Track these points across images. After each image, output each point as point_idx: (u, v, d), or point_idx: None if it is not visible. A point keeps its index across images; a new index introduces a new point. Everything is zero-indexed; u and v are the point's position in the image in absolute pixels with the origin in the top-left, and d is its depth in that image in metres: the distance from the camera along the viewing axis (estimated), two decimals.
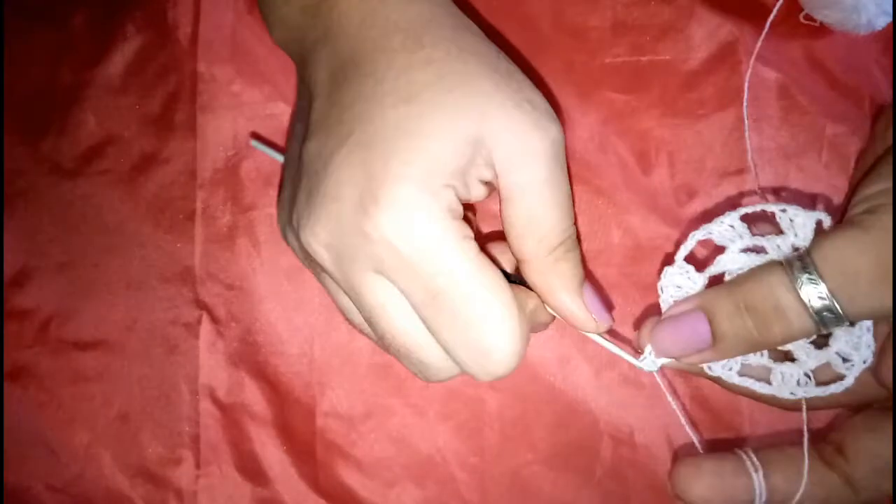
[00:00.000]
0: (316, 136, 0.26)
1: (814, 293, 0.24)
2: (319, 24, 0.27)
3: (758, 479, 0.27)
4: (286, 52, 0.30)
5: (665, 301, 0.28)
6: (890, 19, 0.31)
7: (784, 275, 0.25)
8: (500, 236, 0.27)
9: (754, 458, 0.28)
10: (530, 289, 0.27)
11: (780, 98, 0.33)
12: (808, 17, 0.32)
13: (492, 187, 0.27)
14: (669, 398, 0.29)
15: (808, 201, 0.32)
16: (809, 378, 0.27)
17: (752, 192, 0.33)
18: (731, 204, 0.32)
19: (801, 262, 0.24)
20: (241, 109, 0.36)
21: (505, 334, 0.24)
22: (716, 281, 0.28)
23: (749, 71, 0.33)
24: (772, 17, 0.32)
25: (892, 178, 0.25)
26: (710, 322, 0.26)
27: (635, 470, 0.34)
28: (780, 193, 0.33)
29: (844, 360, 0.27)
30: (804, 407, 0.27)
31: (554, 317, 0.28)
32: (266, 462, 0.35)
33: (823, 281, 0.24)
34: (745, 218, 0.28)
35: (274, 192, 0.36)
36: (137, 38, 0.37)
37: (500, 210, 0.26)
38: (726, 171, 0.33)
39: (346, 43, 0.26)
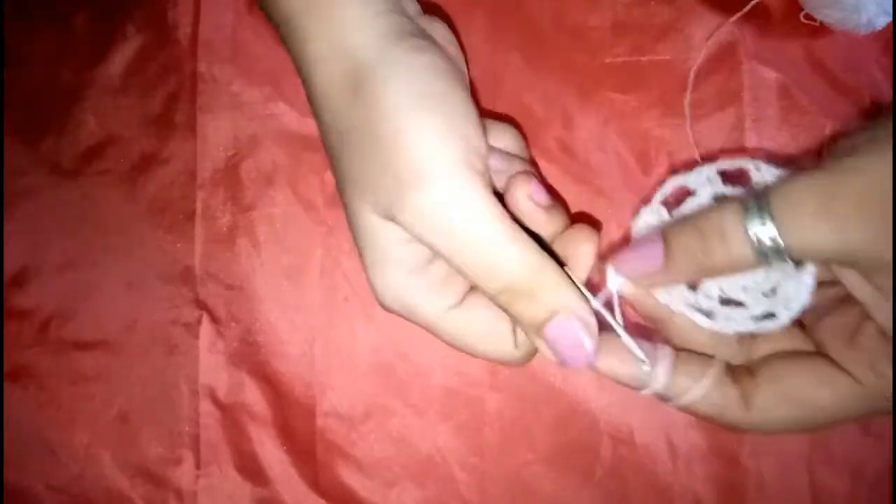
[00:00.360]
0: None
1: (758, 224, 0.24)
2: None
3: (663, 368, 0.27)
4: None
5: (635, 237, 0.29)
6: (890, 19, 0.31)
7: (738, 205, 0.25)
8: None
9: (667, 351, 0.28)
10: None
11: (780, 98, 0.33)
12: (809, 17, 0.32)
13: None
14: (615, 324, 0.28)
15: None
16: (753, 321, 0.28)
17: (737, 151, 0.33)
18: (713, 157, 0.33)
19: (755, 197, 0.24)
20: (241, 109, 0.36)
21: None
22: None
23: (698, 65, 0.33)
24: (747, 8, 0.32)
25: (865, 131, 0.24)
26: (665, 244, 0.26)
27: (635, 470, 0.34)
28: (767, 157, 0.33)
29: (786, 307, 0.27)
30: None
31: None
32: (266, 462, 0.35)
33: (771, 215, 0.24)
34: (722, 172, 0.28)
35: (274, 192, 0.36)
36: (137, 38, 0.37)
37: None
38: (726, 171, 0.33)
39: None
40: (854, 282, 0.26)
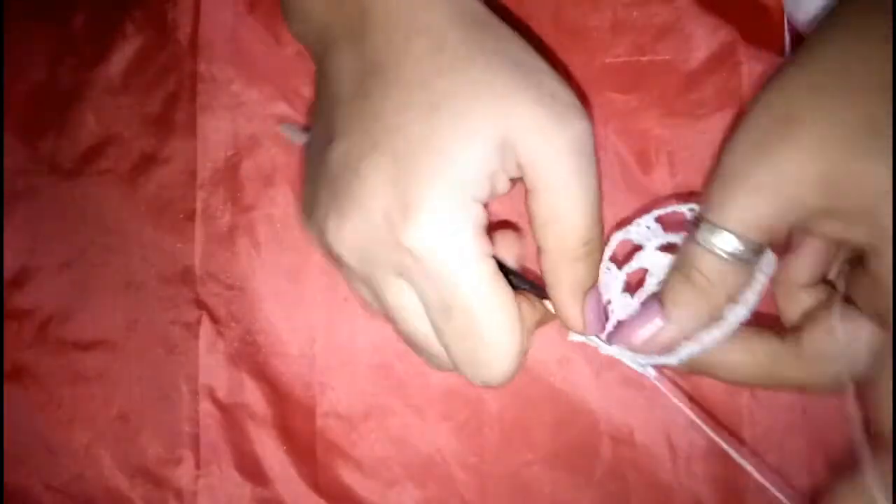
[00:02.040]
0: (343, 139, 0.26)
1: (719, 240, 0.26)
2: (344, 20, 0.27)
3: None
4: (304, 45, 0.30)
5: None
6: None
7: (692, 239, 0.26)
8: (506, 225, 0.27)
9: None
10: (536, 291, 0.28)
11: None
12: None
13: (516, 181, 0.27)
14: (675, 400, 0.29)
15: None
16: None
17: (669, 197, 0.34)
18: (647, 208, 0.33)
19: (696, 223, 0.26)
20: (241, 109, 0.36)
21: (505, 355, 0.26)
22: (635, 276, 0.29)
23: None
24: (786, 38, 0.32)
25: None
26: (661, 304, 0.27)
27: (635, 470, 0.34)
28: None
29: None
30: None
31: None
32: (266, 462, 0.35)
33: (718, 227, 0.26)
34: (659, 219, 0.30)
35: (274, 192, 0.36)
36: (137, 38, 0.37)
37: (526, 200, 0.27)
38: None
39: (370, 43, 0.26)
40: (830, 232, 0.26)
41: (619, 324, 0.29)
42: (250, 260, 0.36)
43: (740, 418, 0.33)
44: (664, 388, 0.30)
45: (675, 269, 0.27)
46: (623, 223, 0.31)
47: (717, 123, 0.34)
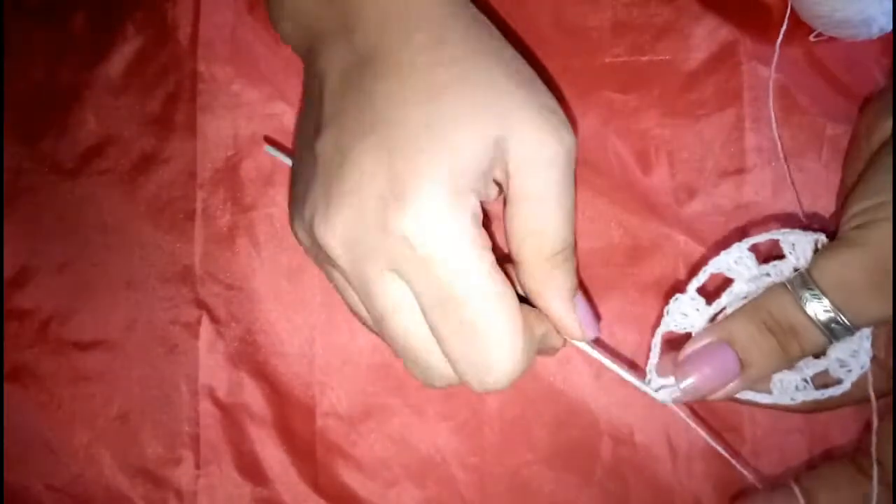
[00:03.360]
0: (331, 129, 0.26)
1: (819, 308, 0.26)
2: (334, 14, 0.27)
3: None
4: (291, 44, 0.30)
5: (666, 324, 0.29)
6: None
7: (789, 294, 0.26)
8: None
9: (797, 490, 0.29)
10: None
11: (780, 98, 0.33)
12: (819, 35, 0.32)
13: (502, 188, 0.27)
14: (685, 417, 0.29)
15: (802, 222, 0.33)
16: (808, 383, 0.28)
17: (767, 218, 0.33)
18: (740, 232, 0.33)
19: (802, 280, 0.26)
20: (241, 109, 0.36)
21: (507, 352, 0.25)
22: (721, 314, 0.29)
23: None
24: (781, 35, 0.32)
25: (881, 192, 0.26)
26: (735, 349, 0.27)
27: (635, 470, 0.34)
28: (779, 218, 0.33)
29: (842, 365, 0.28)
30: (875, 410, 0.28)
31: (564, 342, 0.28)
32: (266, 462, 0.35)
33: (825, 296, 0.25)
34: (753, 248, 0.29)
35: (274, 192, 0.36)
36: (137, 38, 0.37)
37: (504, 210, 0.26)
38: (726, 171, 0.33)
39: (364, 37, 0.26)
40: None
41: (686, 359, 0.28)
42: (250, 260, 0.36)
43: (740, 418, 0.33)
44: (687, 418, 0.30)
45: (760, 318, 0.26)
46: (700, 219, 0.30)
47: (717, 123, 0.34)
